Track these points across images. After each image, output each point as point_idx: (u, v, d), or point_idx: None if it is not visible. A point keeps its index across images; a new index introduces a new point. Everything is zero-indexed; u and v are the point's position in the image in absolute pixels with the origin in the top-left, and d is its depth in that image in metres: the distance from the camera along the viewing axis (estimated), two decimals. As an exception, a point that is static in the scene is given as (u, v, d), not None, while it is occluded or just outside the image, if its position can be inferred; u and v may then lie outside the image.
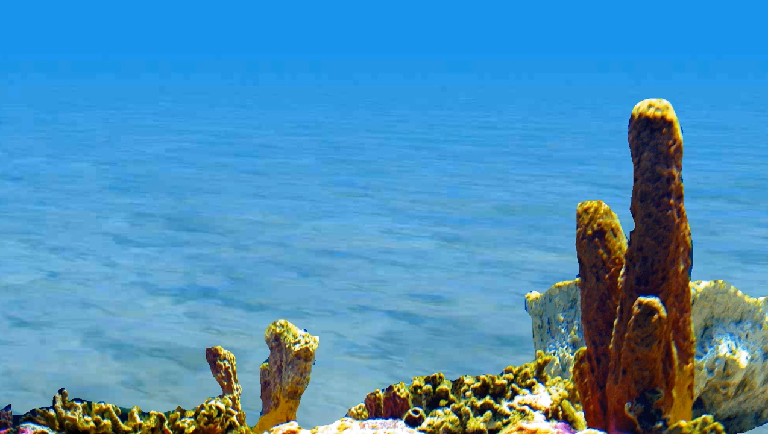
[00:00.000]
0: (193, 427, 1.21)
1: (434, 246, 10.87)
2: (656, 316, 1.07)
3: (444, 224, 12.24)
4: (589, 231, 1.14)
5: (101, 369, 6.56)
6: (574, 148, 22.26)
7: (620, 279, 1.12)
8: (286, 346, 1.29)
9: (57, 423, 1.20)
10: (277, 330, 1.30)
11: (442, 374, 1.27)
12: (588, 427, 1.17)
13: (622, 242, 1.15)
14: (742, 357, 1.63)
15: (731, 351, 1.64)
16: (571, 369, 1.42)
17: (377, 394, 1.28)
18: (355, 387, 6.16)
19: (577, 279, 2.15)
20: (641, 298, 1.07)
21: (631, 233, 1.12)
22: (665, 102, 1.10)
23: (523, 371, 1.29)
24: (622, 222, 11.17)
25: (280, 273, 9.38)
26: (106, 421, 1.19)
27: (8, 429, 1.20)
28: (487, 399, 1.23)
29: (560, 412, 1.22)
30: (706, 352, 1.62)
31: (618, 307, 1.12)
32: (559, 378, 1.31)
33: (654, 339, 1.07)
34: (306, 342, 1.29)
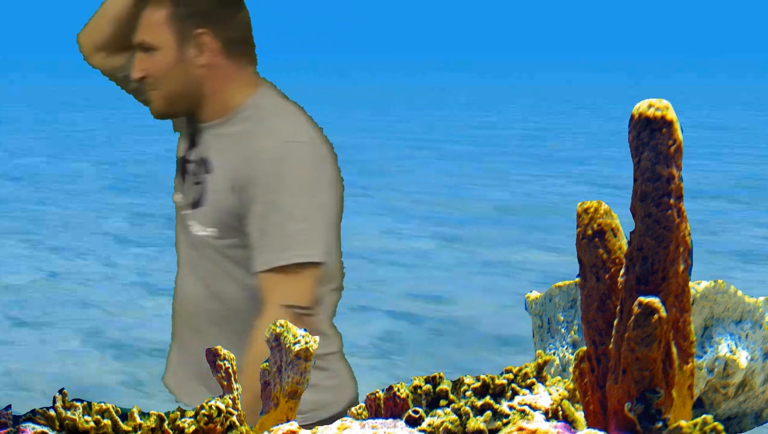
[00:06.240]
0: (193, 427, 1.21)
1: (434, 246, 10.85)
2: (656, 316, 1.07)
3: (444, 224, 12.22)
4: (589, 231, 1.14)
5: (101, 369, 6.55)
6: (574, 148, 22.25)
7: (620, 279, 1.12)
8: (286, 346, 1.29)
9: (57, 423, 1.20)
10: (277, 330, 1.30)
11: (442, 374, 1.27)
12: (588, 427, 1.17)
13: (622, 242, 1.15)
14: (742, 357, 1.63)
15: (731, 351, 1.64)
16: (571, 369, 1.42)
17: (377, 394, 1.28)
18: (355, 387, 6.16)
19: (577, 279, 2.15)
20: (641, 298, 1.07)
21: (631, 233, 1.12)
22: (665, 102, 1.10)
23: (523, 371, 1.29)
24: (622, 222, 11.24)
25: (280, 273, 9.37)
26: (106, 421, 1.19)
27: (8, 429, 1.20)
28: (487, 399, 1.23)
29: (560, 412, 1.22)
30: (706, 352, 1.62)
31: (618, 307, 1.12)
32: (559, 378, 1.31)
33: (654, 339, 1.07)
34: (306, 342, 1.29)
